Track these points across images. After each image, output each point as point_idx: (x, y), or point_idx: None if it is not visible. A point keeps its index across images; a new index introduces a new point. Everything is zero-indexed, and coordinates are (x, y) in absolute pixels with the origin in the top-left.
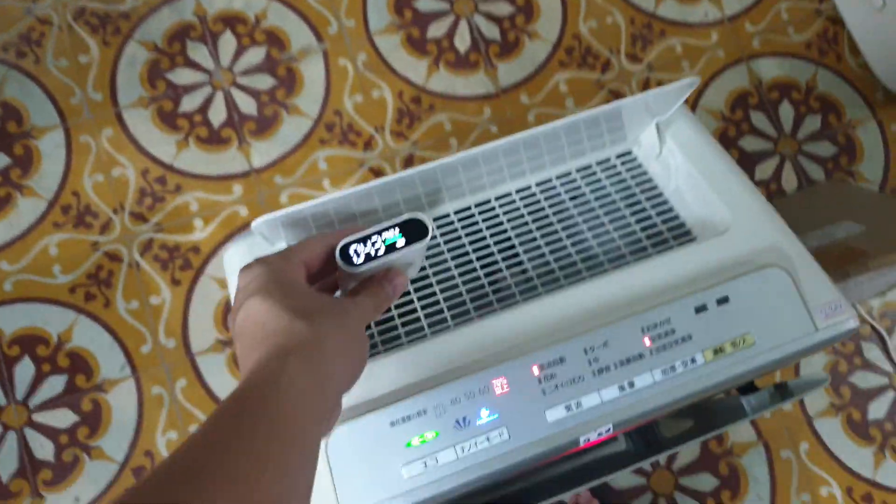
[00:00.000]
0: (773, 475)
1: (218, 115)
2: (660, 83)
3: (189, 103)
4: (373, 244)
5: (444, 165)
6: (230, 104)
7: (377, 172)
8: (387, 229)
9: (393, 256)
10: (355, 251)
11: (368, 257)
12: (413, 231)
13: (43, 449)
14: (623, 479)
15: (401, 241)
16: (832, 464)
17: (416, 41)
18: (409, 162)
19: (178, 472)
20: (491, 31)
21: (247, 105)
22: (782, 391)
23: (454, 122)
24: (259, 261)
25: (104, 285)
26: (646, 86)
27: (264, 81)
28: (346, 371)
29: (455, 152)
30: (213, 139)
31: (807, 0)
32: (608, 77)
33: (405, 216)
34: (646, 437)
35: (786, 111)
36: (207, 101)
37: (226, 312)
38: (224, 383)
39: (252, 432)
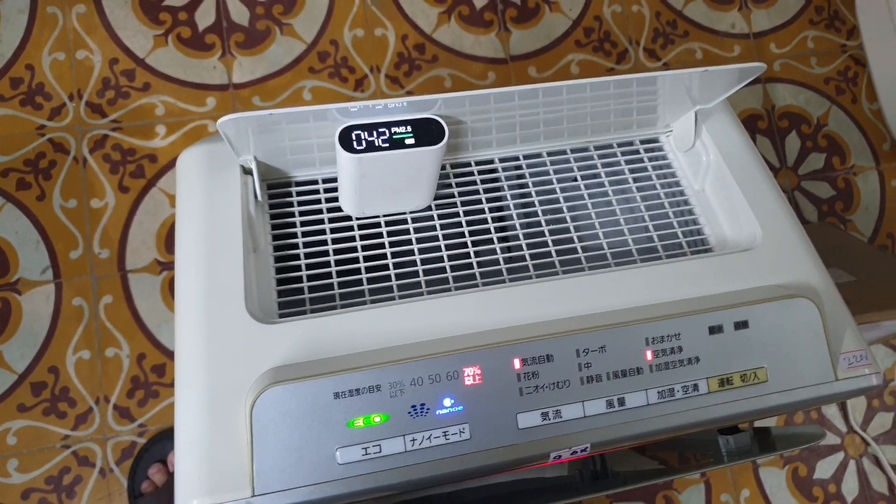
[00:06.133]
0: None
1: (206, 17)
2: None
3: None
4: (378, 134)
5: (449, 100)
6: (221, 8)
7: None
8: (398, 123)
9: (397, 155)
10: (357, 136)
11: (371, 146)
12: (426, 133)
13: None
14: None
15: (410, 140)
16: None
17: None
18: None
19: None
20: None
21: (239, 14)
22: (766, 440)
23: (455, 80)
24: None
25: (42, 176)
26: None
27: None
28: None
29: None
30: (196, 43)
31: (835, 34)
32: (622, 69)
33: (422, 114)
34: (593, 467)
35: (792, 143)
36: (197, 0)
37: (171, 233)
38: (154, 310)
39: None
